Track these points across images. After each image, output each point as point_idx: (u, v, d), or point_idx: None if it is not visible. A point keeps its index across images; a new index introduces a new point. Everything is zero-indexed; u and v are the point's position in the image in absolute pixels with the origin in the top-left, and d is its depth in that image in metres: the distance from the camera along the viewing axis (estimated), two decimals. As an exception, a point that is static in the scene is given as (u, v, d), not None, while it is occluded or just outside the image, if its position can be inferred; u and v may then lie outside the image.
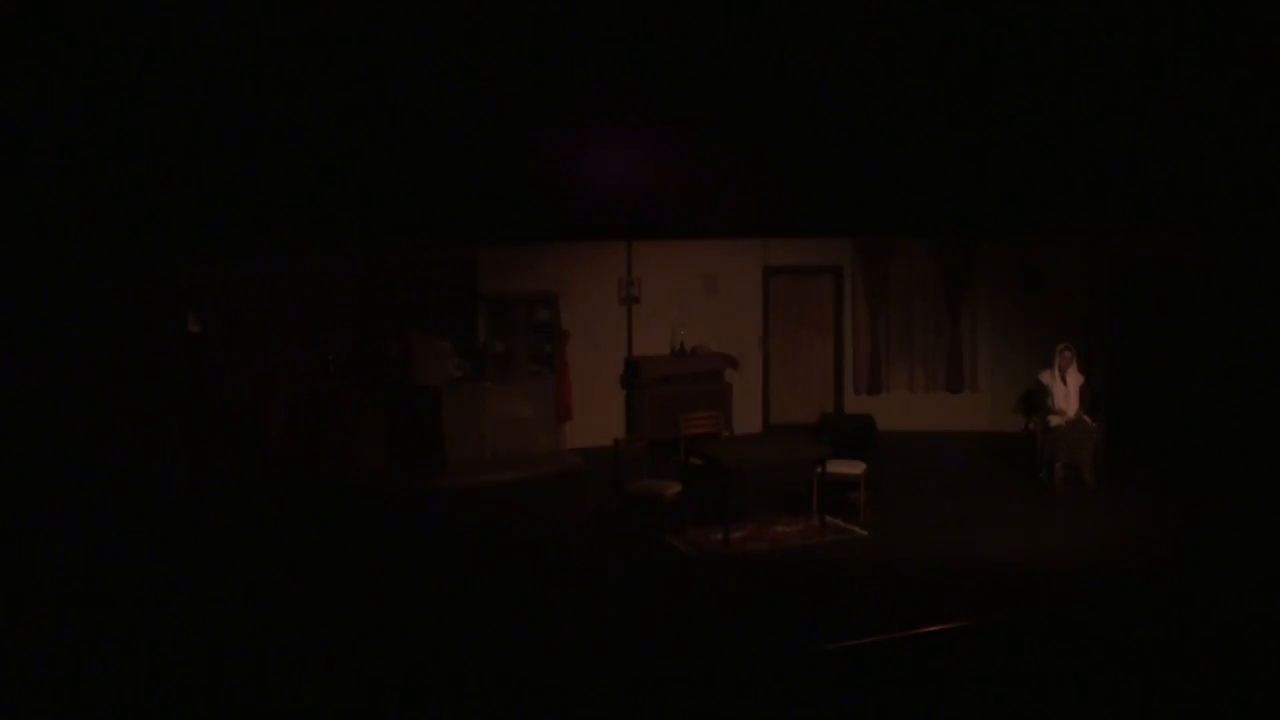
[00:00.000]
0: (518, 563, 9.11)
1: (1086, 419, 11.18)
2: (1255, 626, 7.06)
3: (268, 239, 11.23)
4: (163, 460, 11.11)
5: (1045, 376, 11.41)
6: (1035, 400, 11.55)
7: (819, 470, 9.84)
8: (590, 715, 6.29)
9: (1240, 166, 11.57)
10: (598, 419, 13.11)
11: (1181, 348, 13.08)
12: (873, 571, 8.74)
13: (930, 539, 9.46)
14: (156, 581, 8.54)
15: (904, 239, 14.00)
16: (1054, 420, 11.19)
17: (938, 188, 12.36)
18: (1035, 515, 10.23)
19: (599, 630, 7.61)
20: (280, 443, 11.72)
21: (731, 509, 9.63)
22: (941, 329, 14.24)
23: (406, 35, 9.79)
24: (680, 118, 11.46)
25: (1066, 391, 11.27)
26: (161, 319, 11.31)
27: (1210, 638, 6.85)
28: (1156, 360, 13.27)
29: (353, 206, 11.18)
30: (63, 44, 8.85)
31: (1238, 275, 12.80)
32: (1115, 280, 13.64)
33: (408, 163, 11.05)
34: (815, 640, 7.04)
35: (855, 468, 10.10)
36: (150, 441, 11.13)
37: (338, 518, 10.30)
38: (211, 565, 8.97)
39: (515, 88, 10.71)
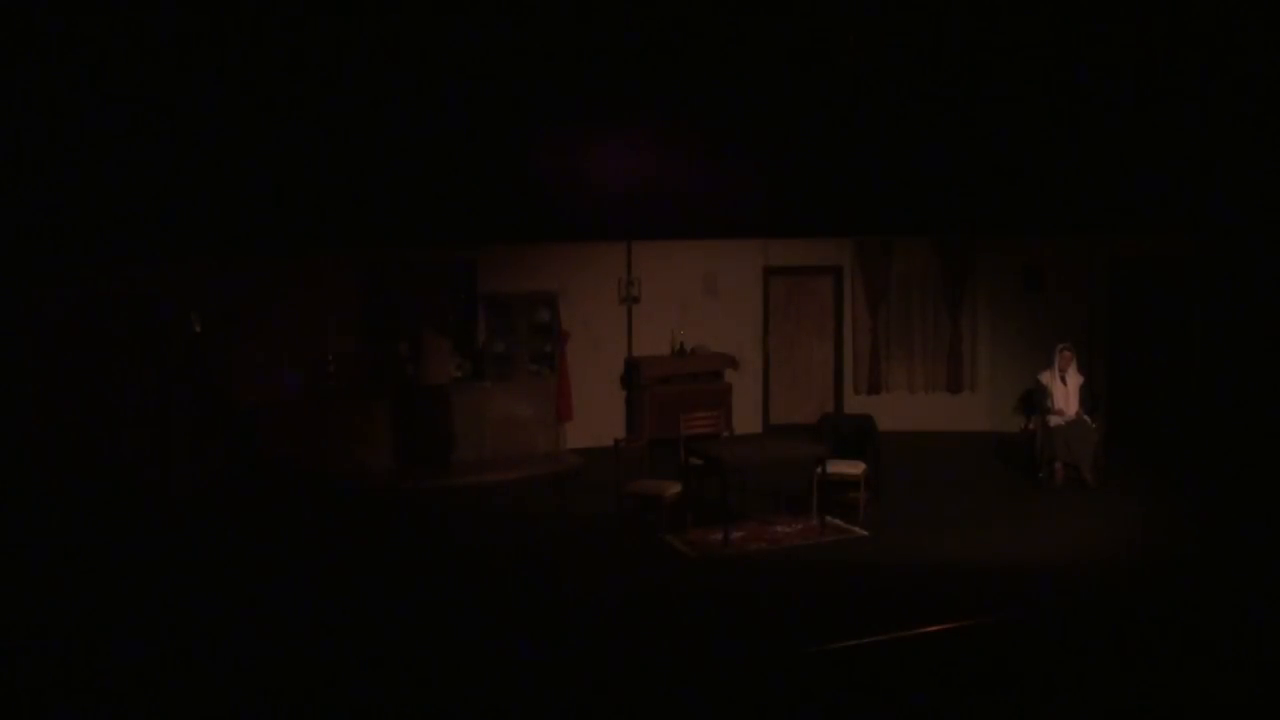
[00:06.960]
0: (516, 562, 9.10)
1: (1086, 419, 11.17)
2: (1255, 626, 7.07)
3: (268, 239, 11.24)
4: (165, 459, 11.12)
5: (1045, 377, 11.40)
6: (1035, 400, 11.54)
7: (819, 470, 9.83)
8: (590, 715, 6.30)
9: (1240, 166, 11.58)
10: (598, 419, 13.11)
11: (1181, 348, 13.09)
12: (873, 571, 8.73)
13: (930, 539, 9.46)
14: (159, 580, 8.54)
15: (904, 239, 14.00)
16: (1054, 420, 11.18)
17: (938, 188, 12.35)
18: (1035, 515, 10.22)
19: (598, 631, 7.60)
20: (282, 442, 11.71)
21: (731, 509, 9.63)
22: (941, 329, 14.24)
23: (406, 35, 9.80)
24: (680, 118, 11.46)
25: (1066, 392, 11.27)
26: (164, 319, 11.33)
27: (1210, 638, 6.86)
28: (1156, 360, 13.27)
29: (353, 207, 11.18)
30: (64, 43, 8.85)
31: (1238, 275, 12.81)
32: (1115, 280, 13.64)
33: (408, 163, 11.05)
34: (815, 640, 7.04)
35: (855, 468, 10.10)
36: (153, 441, 11.15)
37: (339, 517, 10.31)
38: (214, 564, 8.97)
39: (515, 88, 10.71)
